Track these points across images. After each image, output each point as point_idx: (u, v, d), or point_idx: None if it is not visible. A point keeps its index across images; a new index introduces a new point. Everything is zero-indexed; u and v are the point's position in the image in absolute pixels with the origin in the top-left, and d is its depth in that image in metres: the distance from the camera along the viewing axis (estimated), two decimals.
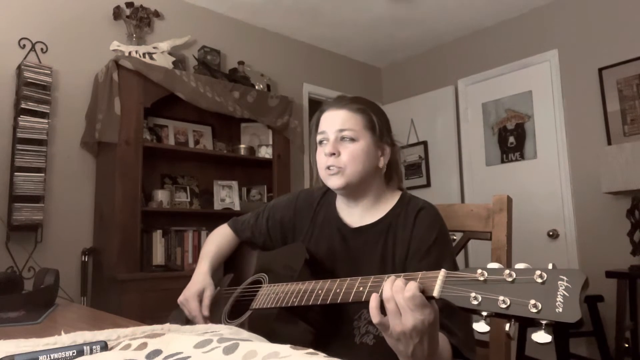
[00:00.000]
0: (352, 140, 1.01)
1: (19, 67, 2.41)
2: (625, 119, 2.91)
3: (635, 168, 2.51)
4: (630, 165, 2.53)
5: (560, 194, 3.17)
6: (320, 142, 1.05)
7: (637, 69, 2.87)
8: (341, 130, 1.02)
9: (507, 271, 0.60)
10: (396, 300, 0.69)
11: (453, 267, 0.96)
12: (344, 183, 1.01)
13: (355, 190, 1.04)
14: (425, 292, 0.67)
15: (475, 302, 0.60)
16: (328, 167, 1.01)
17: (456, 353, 0.86)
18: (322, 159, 1.03)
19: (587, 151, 3.03)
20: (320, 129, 1.06)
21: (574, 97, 3.15)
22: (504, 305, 0.58)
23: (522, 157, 3.40)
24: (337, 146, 1.01)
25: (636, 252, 2.59)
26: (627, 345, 2.54)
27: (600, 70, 3.02)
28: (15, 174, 2.29)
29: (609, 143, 2.93)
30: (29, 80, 2.36)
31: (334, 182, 1.02)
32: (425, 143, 3.91)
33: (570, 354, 2.65)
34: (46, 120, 2.39)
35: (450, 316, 0.86)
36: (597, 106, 3.03)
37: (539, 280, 0.57)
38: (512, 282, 0.59)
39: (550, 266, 0.58)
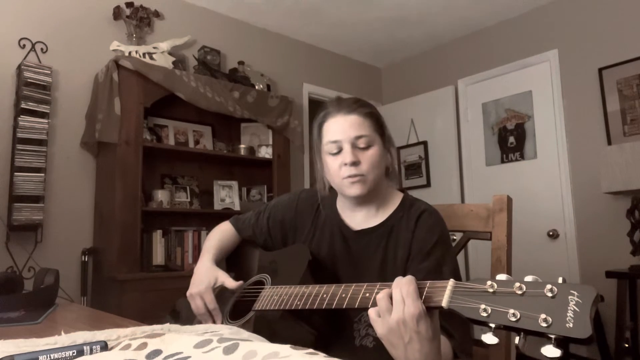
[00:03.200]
0: (368, 146, 0.99)
1: (19, 67, 2.41)
2: (625, 119, 2.91)
3: (635, 168, 2.51)
4: (630, 165, 2.53)
5: (560, 194, 3.17)
6: (335, 152, 1.01)
7: (637, 69, 2.87)
8: (357, 138, 0.99)
9: (517, 284, 0.59)
10: (401, 288, 0.68)
11: (454, 271, 0.96)
12: (366, 190, 0.99)
13: (368, 196, 1.02)
14: (433, 301, 0.67)
15: (484, 314, 0.60)
16: (348, 176, 0.98)
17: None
18: (341, 168, 0.99)
19: (587, 151, 3.03)
20: (331, 137, 1.01)
21: (574, 97, 3.15)
22: (513, 319, 0.57)
23: (522, 157, 3.40)
24: (356, 153, 0.98)
25: (636, 252, 2.59)
26: (627, 345, 2.54)
27: (600, 70, 3.02)
28: (15, 174, 2.29)
29: (609, 143, 2.93)
30: (29, 80, 2.36)
31: (355, 191, 0.99)
32: (425, 143, 3.91)
33: (570, 354, 2.65)
34: (46, 120, 2.39)
35: (448, 318, 0.85)
36: (597, 106, 3.03)
37: (549, 295, 0.57)
38: (522, 295, 0.59)
39: (560, 280, 0.58)
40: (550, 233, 3.18)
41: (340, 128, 1.00)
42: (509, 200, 1.13)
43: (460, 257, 1.66)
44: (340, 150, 1.00)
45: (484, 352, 1.10)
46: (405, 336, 0.67)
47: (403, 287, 0.68)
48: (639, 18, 2.89)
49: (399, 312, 0.67)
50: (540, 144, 3.31)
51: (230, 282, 1.04)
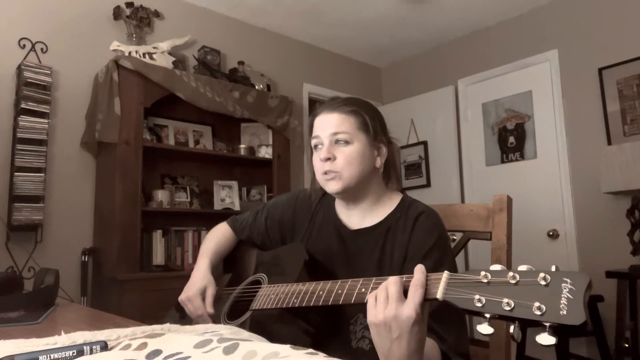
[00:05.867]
0: (347, 143, 1.00)
1: (19, 67, 2.41)
2: (625, 119, 2.91)
3: (635, 168, 2.51)
4: (630, 165, 2.53)
5: (560, 194, 3.17)
6: (315, 146, 1.04)
7: (637, 69, 2.87)
8: (335, 134, 1.00)
9: (510, 273, 0.60)
10: (388, 289, 0.69)
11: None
12: (341, 188, 1.00)
13: (353, 193, 1.03)
14: (428, 293, 0.67)
15: (479, 305, 0.60)
16: (325, 172, 1.00)
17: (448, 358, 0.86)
18: (318, 163, 1.02)
19: (587, 151, 3.03)
20: (314, 133, 1.05)
21: (574, 97, 3.15)
22: (508, 308, 0.58)
23: (522, 157, 3.40)
24: (332, 150, 1.00)
25: (636, 252, 2.59)
26: (627, 345, 2.54)
27: (600, 70, 3.02)
28: (15, 174, 2.29)
29: (609, 143, 2.93)
30: (29, 80, 2.36)
31: (331, 187, 1.01)
32: (425, 143, 3.91)
33: (570, 354, 2.65)
34: (46, 120, 2.39)
35: (440, 321, 0.85)
36: (597, 106, 3.03)
37: (543, 283, 0.57)
38: (516, 284, 0.59)
39: (553, 268, 0.58)
40: (550, 233, 3.18)
41: (321, 125, 1.03)
42: (509, 200, 1.13)
43: (460, 257, 1.65)
44: (320, 147, 1.02)
45: (484, 352, 1.10)
46: (394, 332, 0.67)
47: (390, 288, 0.69)
48: (639, 18, 2.89)
49: (394, 308, 0.67)
50: (540, 144, 3.31)
51: (209, 298, 1.07)
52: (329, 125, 1.02)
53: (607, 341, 2.65)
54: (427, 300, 0.67)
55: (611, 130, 2.95)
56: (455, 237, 1.19)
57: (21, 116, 2.31)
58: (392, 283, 0.69)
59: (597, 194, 2.91)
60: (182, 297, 1.09)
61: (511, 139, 3.46)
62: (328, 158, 0.99)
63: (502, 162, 3.50)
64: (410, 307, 0.66)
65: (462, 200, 3.65)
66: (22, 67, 2.37)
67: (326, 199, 1.13)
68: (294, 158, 3.42)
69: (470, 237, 1.19)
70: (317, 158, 1.02)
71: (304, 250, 1.01)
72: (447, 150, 3.76)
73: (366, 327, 0.94)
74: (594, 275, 2.76)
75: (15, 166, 2.30)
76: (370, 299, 0.71)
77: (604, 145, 2.93)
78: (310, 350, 0.49)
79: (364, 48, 4.05)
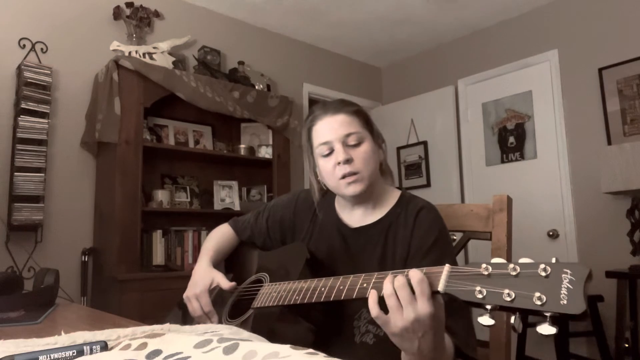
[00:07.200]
0: (359, 143, 0.99)
1: (19, 67, 2.41)
2: (625, 119, 2.91)
3: (635, 168, 2.51)
4: (630, 165, 2.53)
5: (560, 194, 3.17)
6: (327, 153, 1.01)
7: (637, 69, 2.87)
8: (347, 135, 0.99)
9: (511, 265, 0.60)
10: (398, 294, 0.69)
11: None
12: (364, 188, 0.99)
13: (366, 193, 1.01)
14: (430, 286, 0.68)
15: (480, 296, 0.61)
16: (344, 176, 0.98)
17: (458, 353, 0.86)
18: (332, 168, 0.99)
19: (587, 151, 3.03)
20: (321, 138, 1.01)
21: (574, 97, 3.15)
22: (508, 299, 0.58)
23: (522, 157, 3.40)
24: (349, 152, 0.98)
25: (636, 252, 2.59)
26: (627, 345, 2.54)
27: (600, 70, 3.02)
28: (15, 174, 2.29)
29: (609, 143, 2.93)
30: (29, 80, 2.36)
31: (354, 190, 0.98)
32: (425, 143, 3.91)
33: (570, 354, 2.65)
34: (46, 120, 2.39)
35: (451, 315, 0.85)
36: (597, 106, 3.03)
37: (543, 274, 0.57)
38: (517, 276, 0.60)
39: (553, 260, 0.59)
40: (550, 233, 3.18)
41: (329, 128, 1.01)
42: (509, 200, 1.13)
43: (460, 257, 1.65)
44: (331, 151, 1.00)
45: (484, 351, 1.10)
46: (419, 331, 0.69)
47: (400, 292, 0.69)
48: (639, 18, 2.89)
49: (412, 311, 0.68)
50: (540, 144, 3.31)
51: (225, 283, 1.05)
52: (338, 127, 1.00)
53: (607, 341, 2.65)
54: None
55: (611, 130, 2.95)
56: (455, 237, 1.19)
57: (21, 116, 2.31)
58: (401, 288, 0.69)
59: (597, 194, 2.91)
60: (188, 294, 1.06)
61: (511, 139, 3.46)
62: (348, 159, 0.97)
63: (502, 162, 3.50)
64: (425, 304, 0.67)
65: (462, 200, 3.65)
66: (22, 67, 2.37)
67: (326, 198, 1.13)
68: (294, 158, 3.42)
69: (470, 237, 1.19)
70: (330, 163, 1.00)
71: (305, 249, 1.01)
72: (447, 150, 3.76)
73: (370, 322, 0.94)
74: (594, 275, 2.75)
75: (15, 166, 2.30)
76: (380, 315, 0.71)
77: (604, 145, 2.93)
78: (310, 350, 0.49)
79: (364, 48, 4.05)
